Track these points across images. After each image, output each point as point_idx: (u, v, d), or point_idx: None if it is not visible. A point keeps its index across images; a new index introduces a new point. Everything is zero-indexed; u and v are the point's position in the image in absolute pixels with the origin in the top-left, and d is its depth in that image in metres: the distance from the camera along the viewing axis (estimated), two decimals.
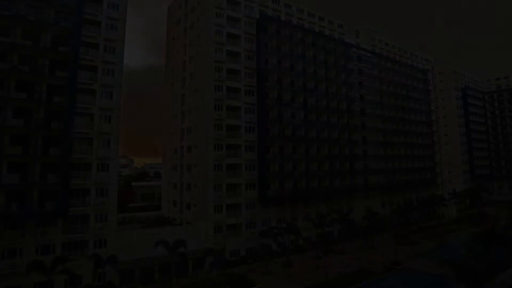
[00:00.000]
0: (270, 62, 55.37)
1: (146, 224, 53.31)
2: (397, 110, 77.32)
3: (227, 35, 51.86)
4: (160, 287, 37.97)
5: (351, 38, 71.95)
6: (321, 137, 60.25)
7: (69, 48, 37.54)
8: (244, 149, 50.88)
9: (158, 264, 39.51)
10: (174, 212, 56.26)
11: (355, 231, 59.92)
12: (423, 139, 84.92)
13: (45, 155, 35.07)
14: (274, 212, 52.52)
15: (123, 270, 36.91)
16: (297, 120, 57.11)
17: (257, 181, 51.16)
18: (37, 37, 36.72)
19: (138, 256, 39.44)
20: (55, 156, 35.54)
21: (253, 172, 51.02)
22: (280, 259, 46.66)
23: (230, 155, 49.41)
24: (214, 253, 41.46)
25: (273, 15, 58.18)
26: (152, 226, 51.14)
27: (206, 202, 46.52)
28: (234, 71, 52.03)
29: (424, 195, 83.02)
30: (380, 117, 72.62)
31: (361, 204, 66.97)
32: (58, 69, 37.27)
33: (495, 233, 38.99)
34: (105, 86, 40.51)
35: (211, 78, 48.94)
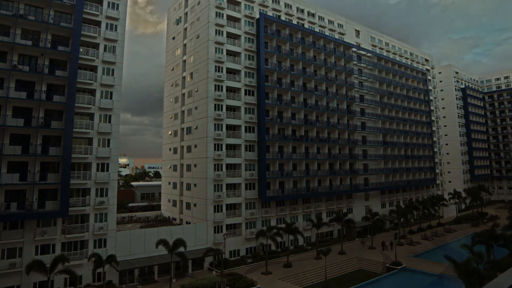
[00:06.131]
0: (270, 62, 55.41)
1: (146, 224, 53.31)
2: (397, 110, 77.32)
3: (227, 35, 51.91)
4: (160, 287, 37.99)
5: (351, 38, 71.99)
6: (321, 137, 60.29)
7: (69, 48, 37.54)
8: (244, 149, 50.91)
9: (158, 264, 39.55)
10: (174, 212, 56.29)
11: (355, 231, 60.07)
12: (423, 139, 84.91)
13: (45, 155, 35.07)
14: (274, 212, 52.57)
15: (123, 270, 36.94)
16: (297, 120, 57.15)
17: (257, 181, 51.19)
18: (37, 37, 36.80)
19: (138, 256, 39.52)
20: (55, 156, 35.54)
21: (253, 172, 51.04)
22: (280, 259, 46.76)
23: (230, 155, 49.44)
24: (214, 253, 41.47)
25: (273, 15, 58.21)
26: (152, 226, 51.14)
27: (206, 202, 46.54)
28: (234, 71, 52.08)
29: (424, 195, 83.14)
30: (380, 117, 72.62)
31: (361, 204, 67.08)
32: (58, 69, 37.31)
33: (495, 233, 39.00)
34: (105, 86, 40.56)
35: (211, 78, 48.96)
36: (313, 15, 65.39)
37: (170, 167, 59.20)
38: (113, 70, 41.35)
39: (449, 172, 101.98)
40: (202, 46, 51.39)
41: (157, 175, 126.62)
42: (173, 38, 62.49)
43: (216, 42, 50.14)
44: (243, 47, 53.11)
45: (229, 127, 50.33)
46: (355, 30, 74.23)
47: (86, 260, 35.46)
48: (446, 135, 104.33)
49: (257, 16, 55.14)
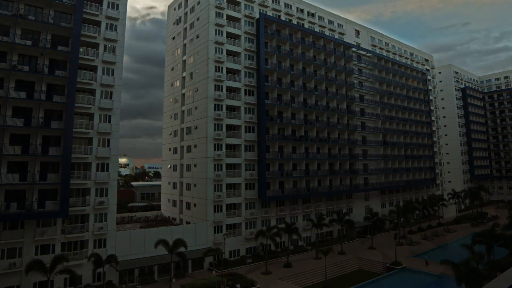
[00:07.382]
0: (270, 62, 55.40)
1: (146, 224, 53.30)
2: (397, 110, 77.30)
3: (227, 35, 51.90)
4: (160, 287, 37.98)
5: (351, 38, 71.97)
6: (321, 137, 60.27)
7: (69, 48, 37.53)
8: (244, 149, 50.90)
9: (158, 264, 39.54)
10: (174, 212, 56.28)
11: (355, 231, 60.05)
12: (423, 139, 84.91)
13: (45, 155, 35.06)
14: (274, 212, 52.55)
15: (123, 270, 36.93)
16: (297, 120, 57.15)
17: (257, 181, 51.17)
18: (37, 37, 36.79)
19: (138, 256, 39.51)
20: (55, 156, 35.52)
21: (253, 172, 51.03)
22: (280, 259, 46.75)
23: (230, 155, 49.43)
24: (214, 253, 41.47)
25: (273, 15, 58.20)
26: (152, 226, 51.14)
27: (206, 202, 46.53)
28: (234, 71, 52.06)
29: (424, 195, 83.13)
30: (380, 117, 72.62)
31: (361, 204, 67.08)
32: (58, 69, 37.30)
33: (495, 233, 39.01)
34: (105, 86, 40.56)
35: (211, 78, 48.96)
36: (313, 15, 65.38)
37: (170, 167, 59.20)
38: (113, 70, 41.35)
39: (449, 172, 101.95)
40: (202, 46, 51.39)
41: (157, 175, 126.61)
42: (173, 38, 62.48)
43: (216, 42, 50.13)
44: (243, 47, 53.10)
45: (229, 127, 50.32)
46: (355, 30, 74.23)
47: (86, 260, 35.44)
48: (446, 135, 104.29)
49: (257, 16, 55.13)
